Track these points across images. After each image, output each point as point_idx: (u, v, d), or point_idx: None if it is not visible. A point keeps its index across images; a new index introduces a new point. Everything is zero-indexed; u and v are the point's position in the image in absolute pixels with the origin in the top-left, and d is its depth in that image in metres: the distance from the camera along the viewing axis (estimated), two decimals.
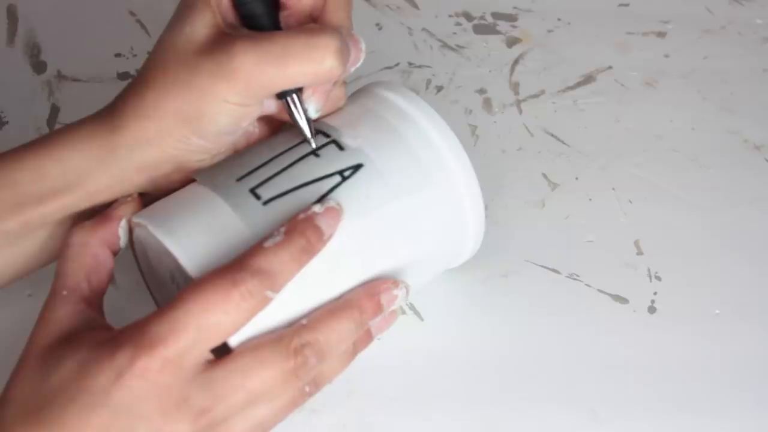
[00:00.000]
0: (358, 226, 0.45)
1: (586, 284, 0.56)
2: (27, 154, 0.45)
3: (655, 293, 0.56)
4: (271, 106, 0.46)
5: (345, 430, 0.50)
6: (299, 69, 0.43)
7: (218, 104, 0.43)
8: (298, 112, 0.45)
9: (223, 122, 0.44)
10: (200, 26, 0.44)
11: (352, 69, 0.46)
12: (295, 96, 0.45)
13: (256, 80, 0.43)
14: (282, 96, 0.45)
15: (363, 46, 0.46)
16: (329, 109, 0.47)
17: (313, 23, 0.46)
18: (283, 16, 0.46)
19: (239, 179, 0.45)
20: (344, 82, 0.48)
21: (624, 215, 0.59)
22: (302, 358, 0.42)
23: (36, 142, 0.46)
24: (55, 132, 0.46)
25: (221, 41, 0.43)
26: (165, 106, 0.44)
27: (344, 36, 0.44)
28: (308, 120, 0.46)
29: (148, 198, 0.47)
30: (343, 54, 0.44)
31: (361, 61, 0.46)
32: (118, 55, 0.66)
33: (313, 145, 0.46)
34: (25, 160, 0.45)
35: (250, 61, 0.42)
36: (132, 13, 0.68)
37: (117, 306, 0.46)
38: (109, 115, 0.45)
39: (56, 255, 0.47)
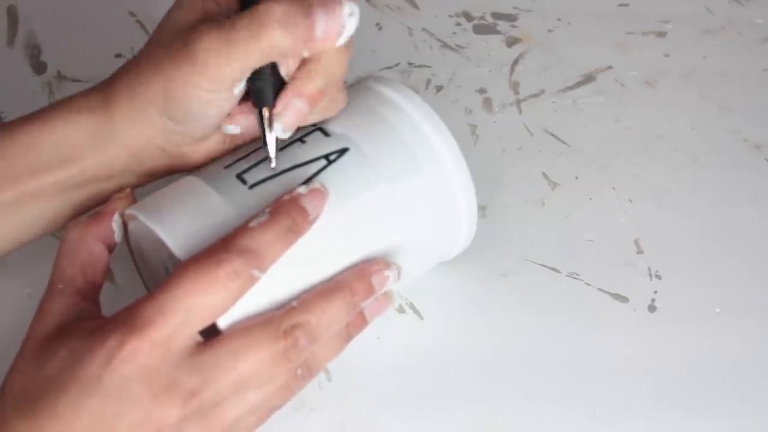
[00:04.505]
0: (346, 208, 0.45)
1: (586, 283, 0.56)
2: (22, 127, 0.46)
3: (655, 292, 0.56)
4: (245, 110, 0.45)
5: (345, 430, 0.50)
6: (243, 47, 0.42)
7: (182, 88, 0.43)
8: (266, 127, 0.44)
9: (190, 106, 0.44)
10: (186, 11, 0.44)
11: (341, 39, 0.42)
12: (265, 110, 0.44)
13: (214, 65, 0.42)
14: (255, 104, 0.44)
15: (347, 9, 0.42)
16: (329, 112, 0.46)
17: None
18: None
19: (227, 167, 0.45)
20: (344, 86, 0.46)
21: (624, 215, 0.59)
22: (292, 340, 0.42)
23: (32, 115, 0.46)
24: (50, 106, 0.47)
25: (194, 27, 0.43)
26: (140, 85, 0.44)
27: (302, 3, 0.41)
28: (276, 138, 0.44)
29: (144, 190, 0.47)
30: (289, 22, 0.41)
31: (346, 28, 0.42)
32: (118, 55, 0.66)
33: (273, 165, 0.44)
34: (21, 132, 0.46)
35: (208, 46, 0.42)
36: (132, 14, 0.68)
37: (117, 304, 0.46)
38: (102, 91, 0.46)
39: (52, 228, 0.48)
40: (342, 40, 0.43)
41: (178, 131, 0.45)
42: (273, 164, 0.45)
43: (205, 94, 0.43)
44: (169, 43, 0.43)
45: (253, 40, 0.41)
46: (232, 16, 0.43)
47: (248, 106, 0.46)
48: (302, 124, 0.45)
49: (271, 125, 0.44)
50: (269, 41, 0.42)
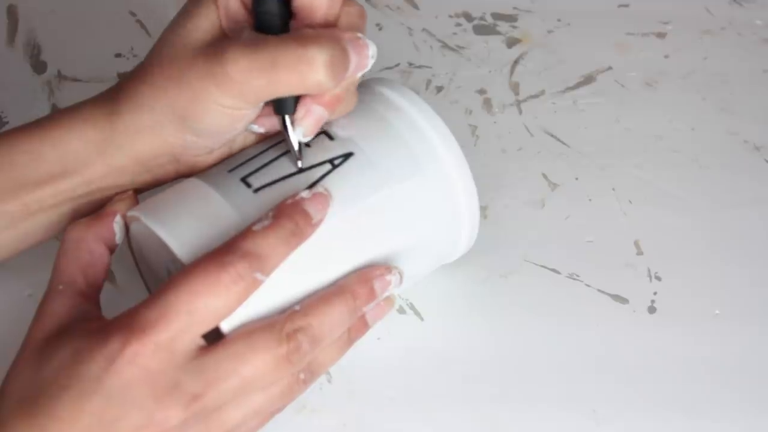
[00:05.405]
0: (349, 213, 0.45)
1: (586, 284, 0.56)
2: (25, 136, 0.46)
3: (655, 293, 0.56)
4: (270, 112, 0.46)
5: (345, 430, 0.50)
6: (286, 80, 0.42)
7: (209, 106, 0.43)
8: (288, 131, 0.45)
9: (215, 123, 0.44)
10: (201, 25, 0.44)
11: (359, 75, 0.45)
12: (287, 117, 0.45)
13: (246, 87, 0.42)
14: (277, 111, 0.45)
15: (371, 51, 0.44)
16: (342, 112, 0.46)
17: (311, 29, 0.44)
18: (292, 24, 0.44)
19: (231, 170, 0.45)
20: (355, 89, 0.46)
21: (624, 215, 0.59)
22: (295, 344, 0.42)
23: (35, 124, 0.46)
24: (53, 114, 0.46)
25: (217, 44, 0.43)
26: (159, 100, 0.44)
27: (342, 45, 0.43)
28: (299, 141, 0.45)
29: (145, 194, 0.47)
30: (335, 67, 0.42)
31: (368, 67, 0.45)
32: (118, 55, 0.66)
33: (299, 165, 0.45)
34: (24, 142, 0.45)
35: (240, 68, 0.42)
36: (132, 13, 0.68)
37: (117, 306, 0.46)
38: (108, 101, 0.46)
39: (55, 233, 0.48)
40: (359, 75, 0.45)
41: (198, 144, 0.45)
42: (300, 165, 0.45)
43: (236, 112, 0.43)
44: (189, 58, 0.43)
45: (297, 76, 0.42)
46: (248, 32, 0.43)
47: (270, 108, 0.46)
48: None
49: (293, 130, 0.45)
50: (314, 81, 0.42)
